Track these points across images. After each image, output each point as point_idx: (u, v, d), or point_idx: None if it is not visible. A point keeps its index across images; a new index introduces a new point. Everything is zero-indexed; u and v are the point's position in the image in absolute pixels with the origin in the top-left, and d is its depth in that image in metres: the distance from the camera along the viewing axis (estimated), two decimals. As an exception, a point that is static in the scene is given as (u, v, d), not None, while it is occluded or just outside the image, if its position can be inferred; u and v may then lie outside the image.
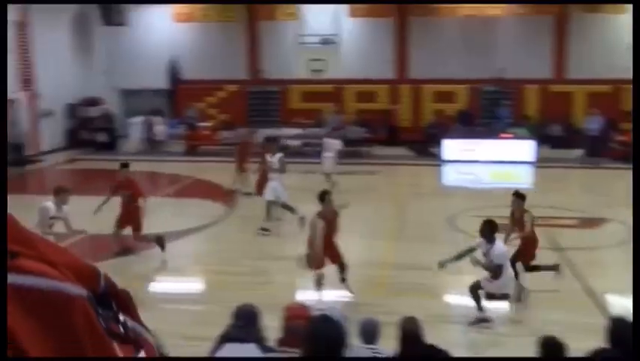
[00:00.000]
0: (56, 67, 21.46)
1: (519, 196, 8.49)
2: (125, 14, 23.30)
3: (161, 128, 21.90)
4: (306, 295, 8.07)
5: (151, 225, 12.30)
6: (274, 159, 11.59)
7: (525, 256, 8.24)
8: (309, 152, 19.97)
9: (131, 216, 9.95)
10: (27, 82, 20.33)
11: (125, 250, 10.22)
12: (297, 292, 8.61)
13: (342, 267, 8.19)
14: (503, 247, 7.56)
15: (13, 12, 19.48)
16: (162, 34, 23.80)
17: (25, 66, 20.18)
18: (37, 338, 0.81)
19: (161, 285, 9.23)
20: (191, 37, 24.04)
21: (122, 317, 0.98)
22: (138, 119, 21.81)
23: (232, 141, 17.09)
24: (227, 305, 7.56)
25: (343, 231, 8.51)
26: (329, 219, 7.95)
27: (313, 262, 7.96)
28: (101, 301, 0.94)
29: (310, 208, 10.75)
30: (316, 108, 21.95)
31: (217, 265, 9.84)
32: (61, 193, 8.72)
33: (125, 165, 10.67)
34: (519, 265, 8.17)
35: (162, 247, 9.92)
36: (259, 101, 23.55)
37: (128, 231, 10.11)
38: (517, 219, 8.38)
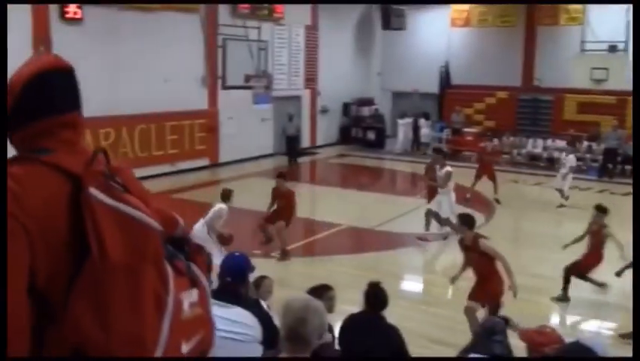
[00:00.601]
0: (337, 67, 23.19)
1: (601, 210, 8.47)
2: (404, 19, 24.14)
3: (426, 131, 22.31)
4: (565, 321, 7.60)
5: (409, 225, 12.71)
6: (441, 173, 11.17)
7: (585, 268, 8.38)
8: (580, 167, 18.66)
9: (282, 216, 10.13)
10: (310, 81, 22.32)
11: (269, 241, 10.30)
12: (554, 316, 8.15)
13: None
14: None
15: (305, 16, 21.55)
16: (437, 39, 24.17)
17: (310, 66, 22.18)
18: (119, 246, 1.16)
19: (412, 284, 9.44)
20: (465, 42, 24.02)
21: (187, 261, 1.31)
22: (405, 121, 22.50)
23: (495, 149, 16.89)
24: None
25: (613, 257, 7.82)
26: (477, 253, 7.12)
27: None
28: (175, 243, 1.30)
29: (571, 226, 10.11)
30: (593, 121, 20.34)
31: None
32: (228, 197, 8.94)
33: (280, 176, 10.75)
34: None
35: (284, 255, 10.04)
36: (529, 110, 22.60)
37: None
38: (594, 232, 8.41)
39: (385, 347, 4.64)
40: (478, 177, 15.08)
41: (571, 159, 14.52)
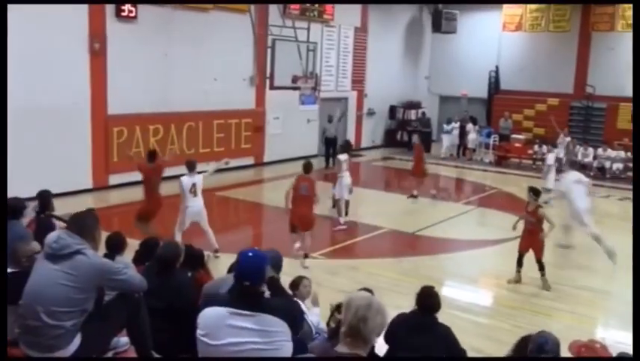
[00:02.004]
0: (385, 70, 23.12)
1: (534, 192, 9.34)
2: (455, 22, 23.89)
3: (473, 136, 22.02)
4: (607, 334, 7.41)
5: (451, 230, 12.58)
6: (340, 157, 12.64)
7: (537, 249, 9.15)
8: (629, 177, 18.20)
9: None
10: (358, 82, 22.30)
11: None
12: (597, 330, 7.96)
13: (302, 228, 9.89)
14: None
15: (354, 18, 21.55)
16: (488, 44, 23.87)
17: (358, 68, 22.16)
18: None
19: (452, 290, 9.34)
20: (516, 47, 23.65)
21: None
22: (451, 126, 22.28)
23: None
24: (515, 324, 7.42)
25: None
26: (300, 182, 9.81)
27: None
28: None
29: (617, 238, 9.85)
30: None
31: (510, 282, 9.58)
32: (190, 165, 9.94)
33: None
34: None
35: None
36: (581, 118, 22.10)
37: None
38: (532, 212, 9.25)
39: (439, 345, 4.66)
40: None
41: (549, 158, 15.44)
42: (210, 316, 3.41)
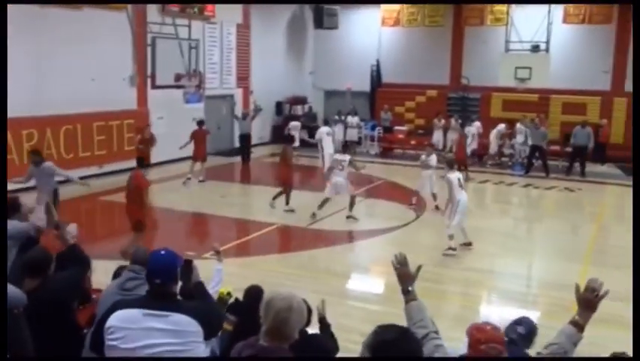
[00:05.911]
0: (270, 66, 23.13)
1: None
2: (336, 18, 24.31)
3: (357, 129, 22.54)
4: (494, 312, 7.86)
5: (342, 223, 12.83)
6: None
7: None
8: (504, 163, 19.45)
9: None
10: (243, 79, 22.16)
11: None
12: (482, 308, 8.41)
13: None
14: None
15: (236, 15, 21.38)
16: (369, 38, 24.51)
17: (242, 65, 22.01)
18: None
19: (347, 281, 9.54)
20: (395, 42, 24.46)
21: None
22: (337, 120, 22.69)
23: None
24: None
25: (537, 249, 8.12)
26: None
27: None
28: None
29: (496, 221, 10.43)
30: (518, 118, 21.09)
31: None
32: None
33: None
34: None
35: None
36: (458, 108, 23.23)
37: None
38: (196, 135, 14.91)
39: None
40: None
41: (433, 159, 13.85)
42: (124, 319, 3.30)
